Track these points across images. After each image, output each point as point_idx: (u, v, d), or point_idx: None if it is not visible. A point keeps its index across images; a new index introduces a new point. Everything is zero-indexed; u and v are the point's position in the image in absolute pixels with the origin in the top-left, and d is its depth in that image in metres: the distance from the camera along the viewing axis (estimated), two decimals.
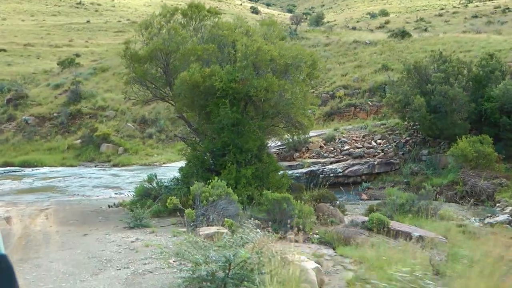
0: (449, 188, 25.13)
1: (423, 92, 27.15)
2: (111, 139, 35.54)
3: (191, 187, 12.03)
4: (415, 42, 41.64)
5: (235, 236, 6.86)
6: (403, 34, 43.49)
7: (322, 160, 28.07)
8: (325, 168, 27.22)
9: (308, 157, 28.54)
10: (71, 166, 33.14)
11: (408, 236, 11.94)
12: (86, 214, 15.24)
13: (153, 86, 16.48)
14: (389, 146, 28.45)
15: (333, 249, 11.24)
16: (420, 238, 11.76)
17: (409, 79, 28.18)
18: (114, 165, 32.77)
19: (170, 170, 29.63)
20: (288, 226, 11.98)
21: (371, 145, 28.64)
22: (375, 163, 27.48)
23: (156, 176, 15.98)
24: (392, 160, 27.73)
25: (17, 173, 30.81)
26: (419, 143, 28.43)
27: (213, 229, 9.84)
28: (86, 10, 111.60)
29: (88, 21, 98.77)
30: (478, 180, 24.13)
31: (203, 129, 15.34)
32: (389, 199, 14.74)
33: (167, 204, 12.13)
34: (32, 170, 31.85)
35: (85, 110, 38.91)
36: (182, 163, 32.78)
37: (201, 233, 9.59)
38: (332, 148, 28.94)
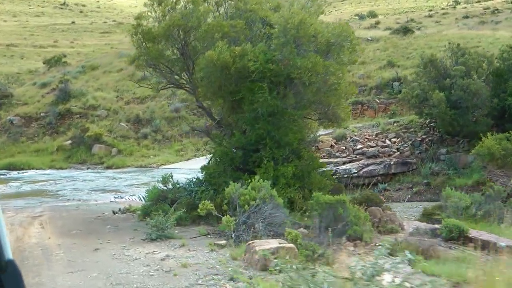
0: (475, 189, 23.05)
1: (441, 87, 25.06)
2: (104, 140, 32.85)
3: (226, 189, 9.61)
4: (418, 38, 39.68)
5: (366, 262, 4.49)
6: (405, 30, 41.47)
7: (334, 160, 25.77)
8: (338, 168, 24.94)
9: (319, 157, 26.22)
10: (61, 168, 30.43)
11: (491, 246, 9.66)
12: (89, 222, 12.73)
13: (168, 70, 13.90)
14: (405, 145, 26.29)
15: (408, 264, 8.88)
16: (509, 248, 9.48)
17: (426, 73, 26.05)
18: (108, 167, 30.12)
19: (170, 171, 27.12)
20: (347, 235, 9.62)
21: (385, 144, 26.46)
22: (391, 163, 25.30)
23: (172, 177, 13.45)
24: (409, 160, 25.57)
25: (2, 176, 28.01)
26: (436, 141, 26.30)
27: (273, 244, 7.42)
28: (71, 11, 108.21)
29: (73, 22, 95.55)
30: (507, 180, 22.12)
31: (231, 120, 12.82)
32: (450, 202, 12.44)
33: (199, 209, 9.70)
34: (19, 173, 29.10)
35: (74, 109, 36.09)
36: (181, 165, 30.44)
37: (257, 248, 7.18)
38: (344, 148, 26.70)
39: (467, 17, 75.49)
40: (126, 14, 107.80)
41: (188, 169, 27.71)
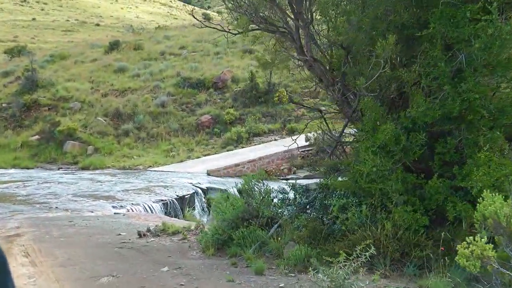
0: None
1: None
2: (78, 136, 26.67)
3: (479, 207, 4.17)
4: None
5: None
6: None
7: None
8: None
9: None
10: (27, 168, 24.18)
11: None
12: (114, 253, 7.01)
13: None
14: None
15: None
16: None
17: None
18: (84, 168, 23.95)
19: (162, 175, 21.27)
20: None
21: None
22: None
23: (262, 182, 7.48)
24: None
25: None
26: None
27: None
28: (32, 8, 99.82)
29: (33, 19, 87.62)
30: None
31: (405, 76, 6.47)
32: None
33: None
34: None
35: (43, 100, 29.64)
36: (174, 167, 24.50)
37: None
38: None
39: None
40: (89, 14, 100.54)
41: (186, 172, 22.03)
